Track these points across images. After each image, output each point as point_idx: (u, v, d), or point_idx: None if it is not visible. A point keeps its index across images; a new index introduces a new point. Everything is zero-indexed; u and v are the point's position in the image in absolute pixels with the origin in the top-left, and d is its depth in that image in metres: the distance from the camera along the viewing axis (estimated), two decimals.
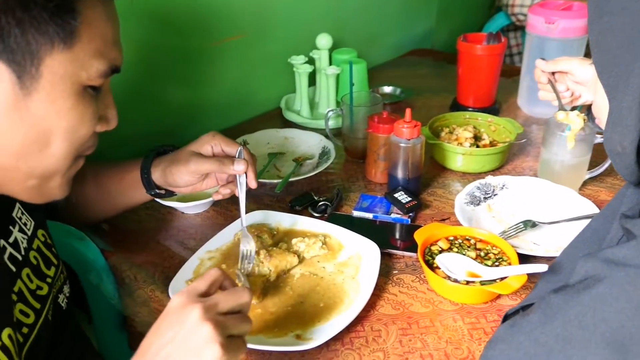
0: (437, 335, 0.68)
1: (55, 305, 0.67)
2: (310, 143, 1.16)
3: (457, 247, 0.79)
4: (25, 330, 0.59)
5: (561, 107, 0.93)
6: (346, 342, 0.68)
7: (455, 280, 0.72)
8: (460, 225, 0.85)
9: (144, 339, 0.53)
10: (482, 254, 0.77)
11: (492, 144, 1.09)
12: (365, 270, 0.77)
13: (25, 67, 0.49)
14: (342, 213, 0.94)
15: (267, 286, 0.75)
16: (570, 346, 0.44)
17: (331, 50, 1.32)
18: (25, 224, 0.65)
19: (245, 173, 0.78)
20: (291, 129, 1.23)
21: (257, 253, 0.78)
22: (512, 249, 0.76)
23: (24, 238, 0.64)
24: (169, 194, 0.85)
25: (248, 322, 0.56)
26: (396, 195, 0.93)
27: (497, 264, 0.75)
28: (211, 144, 0.80)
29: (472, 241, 0.80)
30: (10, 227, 0.62)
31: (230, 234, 0.85)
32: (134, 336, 0.85)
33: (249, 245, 0.78)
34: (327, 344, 0.66)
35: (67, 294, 0.71)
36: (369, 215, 0.91)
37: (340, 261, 0.80)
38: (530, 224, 0.86)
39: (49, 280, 0.66)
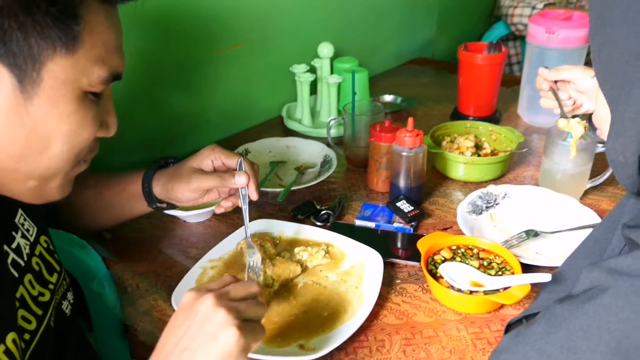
0: (440, 345, 0.68)
1: (58, 312, 0.66)
2: (311, 152, 1.16)
3: (460, 257, 0.79)
4: (27, 336, 0.58)
5: (563, 115, 0.93)
6: (350, 352, 0.68)
7: (459, 290, 0.72)
8: (463, 234, 0.85)
9: (160, 338, 0.53)
10: (485, 263, 0.77)
11: (493, 153, 1.09)
12: (368, 279, 0.77)
13: (27, 71, 0.49)
14: (344, 222, 0.94)
15: (270, 296, 0.75)
16: (576, 356, 0.44)
17: (332, 59, 1.32)
18: (27, 230, 0.65)
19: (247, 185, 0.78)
20: (293, 137, 1.23)
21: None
22: (515, 259, 0.76)
23: (26, 244, 0.64)
24: (171, 207, 0.84)
25: (262, 306, 0.55)
26: (398, 204, 0.93)
27: (500, 273, 0.75)
28: (211, 158, 0.79)
29: (475, 250, 0.80)
30: (13, 233, 0.62)
31: (233, 242, 0.85)
32: (136, 345, 0.85)
33: (254, 256, 0.77)
34: (330, 354, 0.66)
35: (71, 301, 0.71)
36: (371, 224, 0.91)
37: (343, 270, 0.80)
38: (532, 234, 0.86)
39: (51, 286, 0.66)
